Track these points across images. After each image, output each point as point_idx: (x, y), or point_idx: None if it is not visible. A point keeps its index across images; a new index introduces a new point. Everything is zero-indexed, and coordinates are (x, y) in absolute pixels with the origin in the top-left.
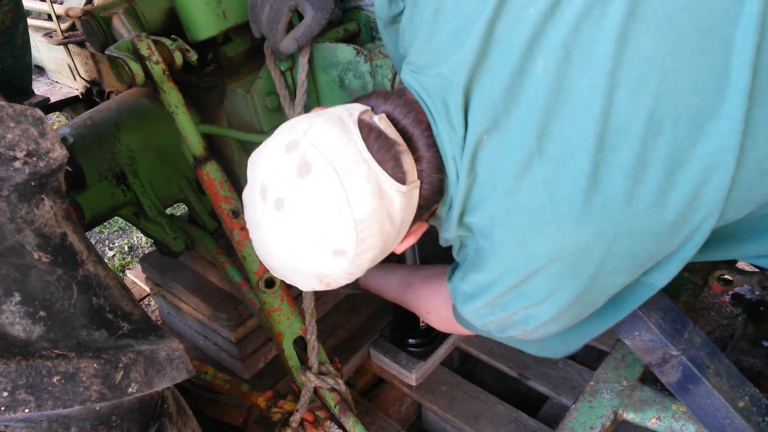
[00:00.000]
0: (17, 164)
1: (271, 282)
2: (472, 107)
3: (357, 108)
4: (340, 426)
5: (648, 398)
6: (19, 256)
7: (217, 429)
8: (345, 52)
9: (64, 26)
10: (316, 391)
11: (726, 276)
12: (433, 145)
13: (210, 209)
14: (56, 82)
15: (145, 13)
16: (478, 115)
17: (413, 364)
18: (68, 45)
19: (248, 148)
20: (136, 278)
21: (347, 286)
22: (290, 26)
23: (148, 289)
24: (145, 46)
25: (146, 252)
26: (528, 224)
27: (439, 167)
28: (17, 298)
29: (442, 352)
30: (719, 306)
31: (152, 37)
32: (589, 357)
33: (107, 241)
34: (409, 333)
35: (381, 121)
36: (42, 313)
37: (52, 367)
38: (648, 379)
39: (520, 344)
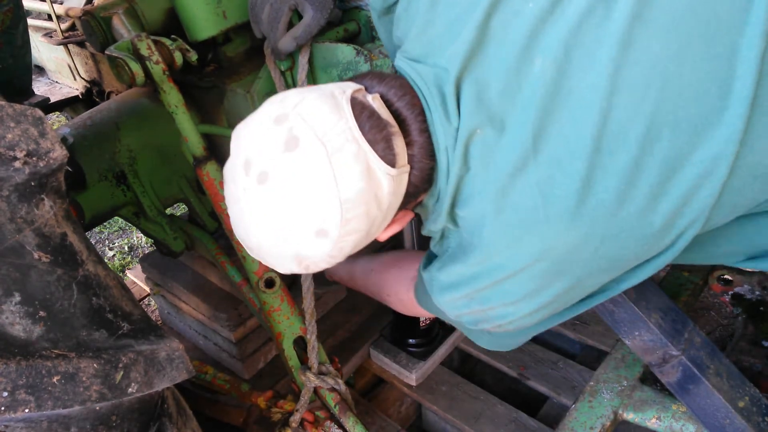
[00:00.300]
0: (17, 164)
1: (271, 282)
2: (465, 100)
3: (351, 86)
4: (340, 426)
5: (648, 398)
6: (19, 256)
7: (217, 429)
8: (345, 52)
9: (64, 26)
10: (316, 391)
11: (726, 276)
12: (426, 131)
13: (210, 209)
14: (56, 82)
15: (145, 13)
16: (472, 108)
17: (413, 364)
18: (68, 45)
19: None
20: (136, 278)
21: (320, 282)
22: (290, 26)
23: (148, 289)
24: (145, 46)
25: (146, 252)
26: (519, 223)
27: (431, 154)
28: (17, 298)
29: (442, 352)
30: (719, 306)
31: (152, 37)
32: (589, 357)
33: (107, 241)
34: (409, 333)
35: (374, 101)
36: (42, 313)
37: (52, 367)
38: (648, 379)
39: (472, 336)
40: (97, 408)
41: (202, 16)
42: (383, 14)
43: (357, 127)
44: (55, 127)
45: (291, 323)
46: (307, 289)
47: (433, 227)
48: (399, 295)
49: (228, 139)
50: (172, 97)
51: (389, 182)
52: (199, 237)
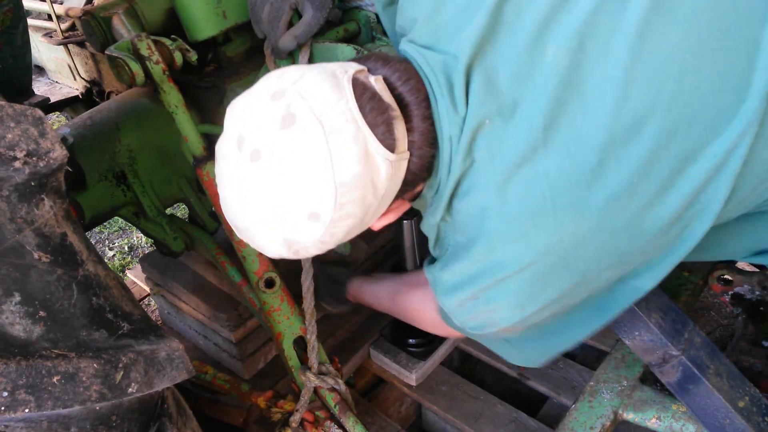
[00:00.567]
0: (17, 164)
1: (271, 282)
2: (475, 89)
3: (353, 66)
4: (340, 426)
5: (648, 398)
6: (19, 256)
7: (217, 429)
8: (345, 52)
9: (64, 26)
10: (316, 391)
11: (726, 276)
12: (429, 118)
13: (210, 209)
14: (56, 82)
15: (145, 13)
16: (481, 98)
17: (413, 364)
18: (68, 45)
19: None
20: (136, 278)
21: (337, 302)
22: (290, 26)
23: (148, 289)
24: (145, 46)
25: (146, 252)
26: (525, 215)
27: (432, 142)
28: (17, 298)
29: (442, 352)
30: (719, 306)
31: (152, 37)
32: (589, 357)
33: (107, 241)
34: (409, 333)
35: (377, 83)
36: (42, 313)
37: (52, 367)
38: (648, 379)
39: (501, 351)
40: (97, 408)
41: (202, 16)
42: (388, 5)
43: (357, 108)
44: (55, 127)
45: (291, 323)
46: (307, 289)
47: (432, 220)
48: (426, 313)
49: None
50: (172, 97)
51: (387, 168)
52: (199, 237)
